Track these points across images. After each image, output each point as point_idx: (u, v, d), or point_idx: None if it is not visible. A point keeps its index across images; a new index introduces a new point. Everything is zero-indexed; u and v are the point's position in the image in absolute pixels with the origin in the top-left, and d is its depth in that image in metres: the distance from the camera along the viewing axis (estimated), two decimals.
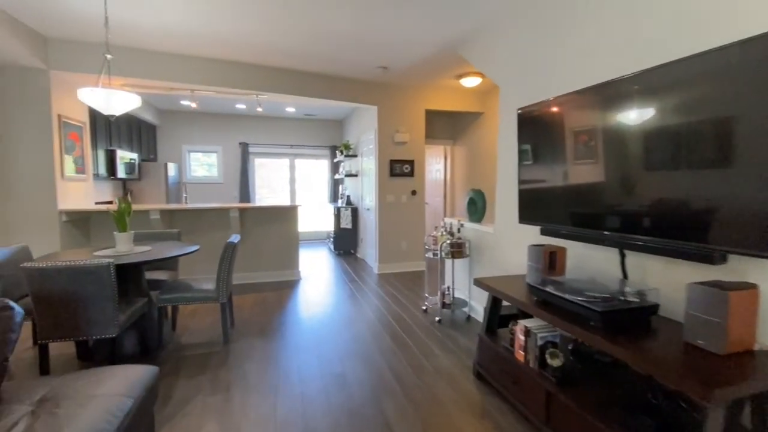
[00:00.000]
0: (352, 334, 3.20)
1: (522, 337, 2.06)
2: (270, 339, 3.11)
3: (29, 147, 3.69)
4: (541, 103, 2.33)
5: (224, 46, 3.82)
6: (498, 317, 2.50)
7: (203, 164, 7.68)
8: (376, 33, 3.53)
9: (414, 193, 5.48)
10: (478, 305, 3.54)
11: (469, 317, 3.60)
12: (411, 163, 5.42)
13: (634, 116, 1.72)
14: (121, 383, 1.59)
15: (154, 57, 3.99)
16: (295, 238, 5.03)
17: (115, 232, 2.87)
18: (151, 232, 3.58)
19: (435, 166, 7.24)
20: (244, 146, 7.58)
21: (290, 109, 7.11)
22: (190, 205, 4.50)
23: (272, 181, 8.21)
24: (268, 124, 7.84)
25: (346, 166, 7.39)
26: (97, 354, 2.74)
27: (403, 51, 3.96)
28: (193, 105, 4.49)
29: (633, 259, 1.96)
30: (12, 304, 1.58)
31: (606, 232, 1.90)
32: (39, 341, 2.22)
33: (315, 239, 8.36)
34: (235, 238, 3.17)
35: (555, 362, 1.85)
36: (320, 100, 4.88)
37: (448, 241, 3.44)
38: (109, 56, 2.79)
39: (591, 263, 2.24)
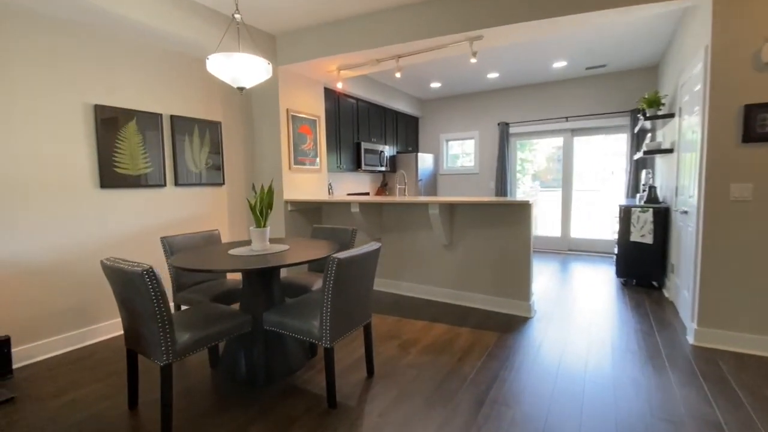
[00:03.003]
0: None
1: None
2: None
3: (266, 140, 4.03)
4: None
5: None
6: None
7: (460, 153, 6.90)
8: None
9: None
10: None
11: None
12: None
13: None
14: None
15: (340, 26, 3.44)
16: (526, 251, 3.23)
17: (250, 228, 2.42)
18: (325, 227, 3.04)
19: None
20: (503, 127, 6.15)
21: (560, 65, 5.01)
22: (384, 198, 3.71)
23: (539, 168, 6.33)
24: (532, 93, 6.00)
25: (659, 135, 4.48)
26: (221, 363, 2.39)
27: None
28: (398, 75, 3.61)
29: None
30: None
31: None
32: (126, 347, 1.98)
33: (597, 252, 5.78)
34: (369, 247, 2.02)
35: None
36: (600, 32, 2.80)
37: None
38: (238, 16, 2.31)
39: None
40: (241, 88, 2.32)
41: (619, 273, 4.15)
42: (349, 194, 5.52)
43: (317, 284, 2.73)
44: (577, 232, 6.00)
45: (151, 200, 3.20)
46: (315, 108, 4.33)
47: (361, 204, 3.68)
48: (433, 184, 6.73)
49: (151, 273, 1.67)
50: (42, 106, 2.57)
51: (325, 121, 4.70)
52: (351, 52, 3.43)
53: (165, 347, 1.75)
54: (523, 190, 6.43)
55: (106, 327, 2.94)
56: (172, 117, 3.32)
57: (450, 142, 6.93)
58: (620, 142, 5.62)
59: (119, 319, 3.02)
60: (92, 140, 2.83)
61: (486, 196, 6.34)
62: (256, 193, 2.44)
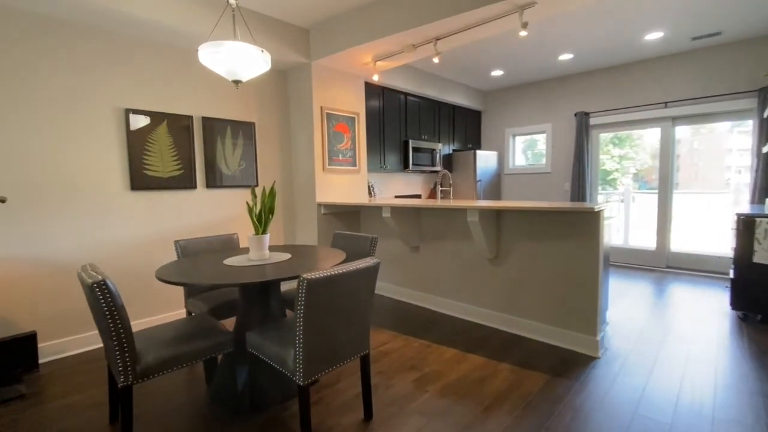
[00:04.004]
0: None
1: None
2: None
3: (300, 140, 3.86)
4: None
5: None
6: None
7: (528, 149, 6.08)
8: None
9: None
10: None
11: None
12: None
13: None
14: None
15: (369, 10, 3.08)
16: (593, 271, 2.53)
17: (249, 235, 2.20)
18: (346, 234, 2.73)
19: None
20: (582, 117, 5.21)
21: (654, 37, 4.01)
22: (416, 202, 3.25)
23: (643, 166, 5.25)
24: (617, 75, 4.97)
25: None
26: (214, 382, 2.20)
27: None
28: (436, 60, 3.15)
29: None
30: None
31: None
32: (106, 359, 1.88)
33: (705, 271, 4.56)
34: (359, 263, 1.65)
35: None
36: None
37: None
38: (233, 1, 2.09)
39: None
40: (236, 82, 2.11)
41: (736, 303, 3.12)
42: (396, 196, 5.16)
43: None
44: (679, 244, 4.82)
45: (181, 202, 3.21)
46: (353, 104, 4.05)
47: (393, 208, 3.28)
48: (496, 185, 6.03)
49: (102, 286, 1.50)
50: (76, 112, 2.67)
51: (368, 119, 4.39)
52: (383, 37, 3.06)
53: (123, 367, 1.57)
54: (622, 191, 5.37)
55: (143, 325, 3.00)
56: (203, 119, 3.30)
57: (517, 138, 6.14)
58: (744, 131, 4.36)
59: (149, 319, 3.06)
60: (123, 143, 2.90)
61: (560, 199, 5.49)
62: (256, 196, 2.20)
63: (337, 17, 3.37)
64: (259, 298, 2.11)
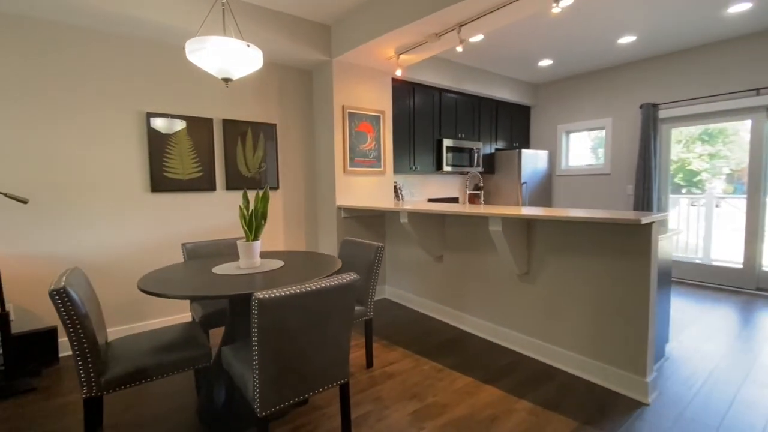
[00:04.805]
0: None
1: None
2: None
3: (321, 140, 3.73)
4: None
5: None
6: None
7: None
8: None
9: None
10: None
11: None
12: None
13: None
14: None
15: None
16: (642, 296, 2.06)
17: (238, 241, 2.08)
18: (353, 241, 2.55)
19: None
20: (649, 110, 4.48)
21: (739, 10, 3.27)
22: (431, 208, 2.91)
23: (738, 166, 4.39)
24: (692, 59, 4.18)
25: None
26: (202, 389, 2.12)
27: None
28: (460, 49, 2.81)
29: None
30: None
31: None
32: None
33: None
34: (331, 280, 1.43)
35: None
36: None
37: None
38: None
39: None
40: (226, 80, 2.00)
41: None
42: (430, 200, 4.84)
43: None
44: None
45: (200, 204, 3.23)
46: (378, 102, 3.83)
47: (411, 214, 3.01)
48: (545, 188, 5.45)
49: (62, 293, 1.44)
50: (98, 115, 2.78)
51: (396, 117, 4.15)
52: (400, 26, 2.80)
53: (86, 378, 1.51)
54: (713, 193, 4.50)
55: (154, 325, 3.06)
56: (223, 121, 3.29)
57: (571, 135, 5.50)
58: None
59: (159, 320, 3.11)
60: (144, 146, 2.96)
61: (621, 204, 4.82)
62: (248, 200, 2.08)
63: (354, 10, 3.18)
64: (242, 309, 1.97)
